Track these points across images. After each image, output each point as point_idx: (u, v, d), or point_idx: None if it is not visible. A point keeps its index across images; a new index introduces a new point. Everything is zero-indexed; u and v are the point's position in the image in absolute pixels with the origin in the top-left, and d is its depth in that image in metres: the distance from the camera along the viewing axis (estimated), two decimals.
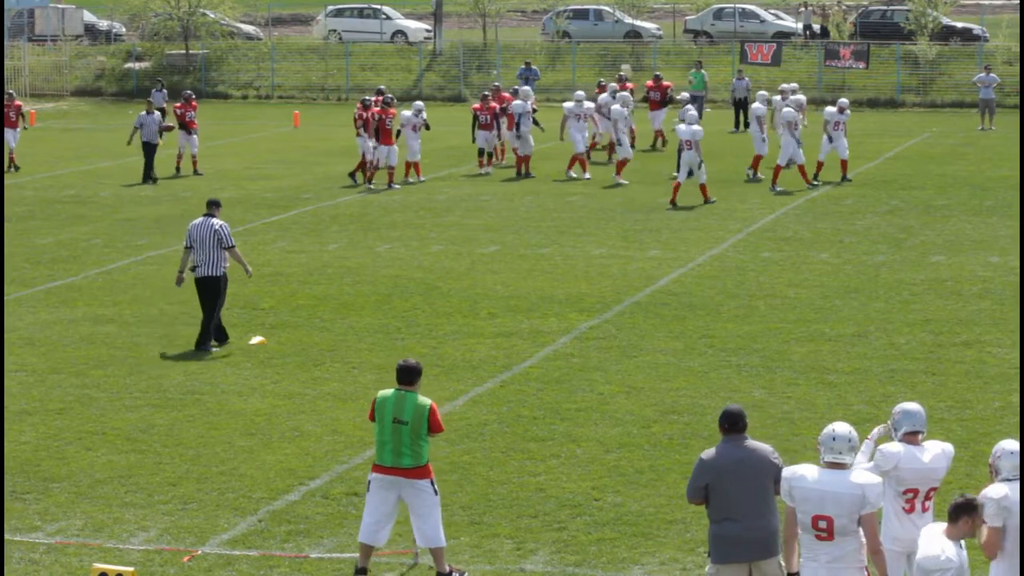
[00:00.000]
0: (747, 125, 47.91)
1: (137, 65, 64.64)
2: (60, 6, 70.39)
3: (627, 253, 27.68)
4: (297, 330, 22.00)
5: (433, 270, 26.27)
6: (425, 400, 12.89)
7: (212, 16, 65.62)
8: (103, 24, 72.71)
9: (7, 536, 13.97)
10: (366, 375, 19.44)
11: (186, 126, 39.13)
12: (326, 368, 19.98)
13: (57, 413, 18.00)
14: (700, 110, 51.56)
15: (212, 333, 21.13)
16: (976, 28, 63.08)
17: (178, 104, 39.64)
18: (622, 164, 36.75)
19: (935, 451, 11.00)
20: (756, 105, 37.23)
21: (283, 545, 13.80)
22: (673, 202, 32.85)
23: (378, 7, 69.51)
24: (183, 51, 64.69)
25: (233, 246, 21.24)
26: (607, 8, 69.01)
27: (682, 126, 33.45)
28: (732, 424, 11.09)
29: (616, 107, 37.01)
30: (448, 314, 22.93)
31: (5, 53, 61.68)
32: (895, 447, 10.95)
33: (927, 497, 10.99)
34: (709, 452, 11.16)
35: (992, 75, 49.42)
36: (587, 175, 37.29)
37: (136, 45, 66.64)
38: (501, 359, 20.29)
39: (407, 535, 13.26)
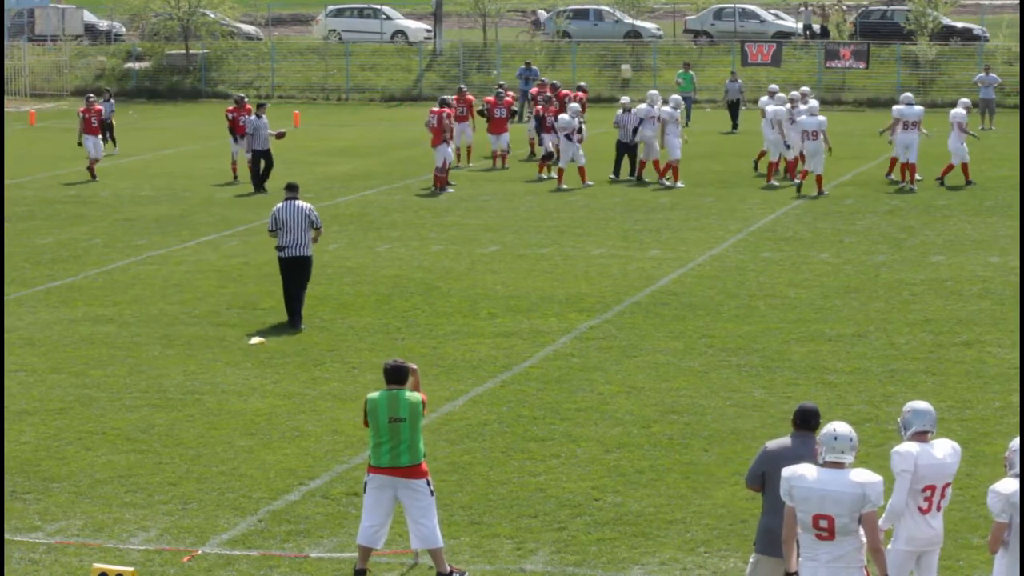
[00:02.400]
0: (738, 125, 48.04)
1: (137, 65, 64.65)
2: (60, 6, 70.40)
3: (627, 253, 27.68)
4: (297, 330, 21.99)
5: (433, 270, 26.27)
6: (415, 394, 12.91)
7: (212, 16, 65.63)
8: (103, 24, 72.72)
9: (7, 536, 13.97)
10: (366, 375, 19.44)
11: (237, 131, 37.38)
12: (326, 368, 19.98)
13: (57, 413, 18.00)
14: (688, 111, 51.56)
15: (301, 313, 22.31)
16: (976, 28, 63.09)
17: (230, 108, 38.14)
18: (669, 167, 36.14)
19: (946, 448, 11.06)
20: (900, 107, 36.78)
21: (283, 545, 13.80)
22: (808, 189, 34.31)
23: (378, 7, 69.50)
24: (183, 51, 64.70)
25: (321, 227, 22.61)
26: (607, 8, 69.02)
27: (804, 116, 34.58)
28: (804, 420, 11.18)
29: (668, 108, 36.62)
30: (448, 314, 22.93)
31: (5, 53, 61.69)
32: (910, 446, 10.96)
33: (942, 495, 11.01)
34: (775, 442, 11.26)
35: (992, 75, 49.40)
36: (680, 183, 35.89)
37: (136, 45, 66.65)
38: (501, 359, 20.29)
39: (408, 535, 13.25)
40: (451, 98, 37.94)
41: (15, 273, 26.30)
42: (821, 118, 34.51)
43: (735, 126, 48.39)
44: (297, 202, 22.20)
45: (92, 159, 38.51)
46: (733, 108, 49.24)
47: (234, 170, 37.89)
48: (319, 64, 64.43)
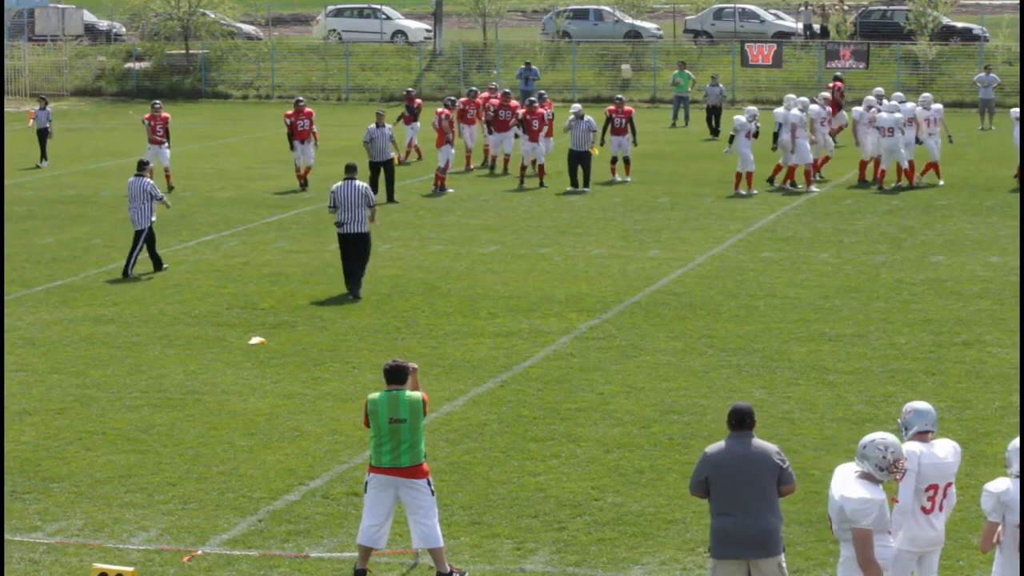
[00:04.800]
0: (719, 131, 47.18)
1: (137, 65, 64.66)
2: (60, 6, 70.42)
3: (627, 253, 27.68)
4: (297, 330, 22.00)
5: (433, 270, 26.28)
6: (416, 393, 12.92)
7: (212, 16, 65.64)
8: (103, 24, 72.76)
9: (7, 536, 13.97)
10: (366, 375, 19.45)
11: (296, 136, 36.12)
12: (326, 368, 19.98)
13: (57, 413, 18.00)
14: (686, 111, 51.36)
15: (360, 284, 24.16)
16: (976, 28, 63.12)
17: (289, 112, 36.81)
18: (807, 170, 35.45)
19: (947, 448, 11.12)
20: None
21: (283, 545, 13.81)
22: (912, 183, 35.15)
23: (378, 7, 69.53)
24: (183, 51, 64.71)
25: (374, 204, 24.44)
26: (607, 8, 69.03)
27: (883, 114, 34.90)
28: (739, 421, 11.18)
29: (815, 107, 36.60)
30: (448, 314, 22.93)
31: (5, 53, 61.70)
32: (913, 446, 10.99)
33: (944, 494, 11.04)
34: (713, 446, 11.28)
35: (992, 75, 49.41)
36: (813, 188, 35.11)
37: (136, 45, 66.67)
38: (501, 359, 20.29)
39: (408, 535, 13.27)
40: (456, 99, 37.80)
41: (15, 273, 26.30)
42: (897, 115, 34.78)
43: (714, 132, 47.49)
44: (355, 182, 24.19)
45: (164, 170, 36.35)
46: (714, 113, 48.18)
47: (300, 178, 36.14)
48: (319, 64, 64.44)
